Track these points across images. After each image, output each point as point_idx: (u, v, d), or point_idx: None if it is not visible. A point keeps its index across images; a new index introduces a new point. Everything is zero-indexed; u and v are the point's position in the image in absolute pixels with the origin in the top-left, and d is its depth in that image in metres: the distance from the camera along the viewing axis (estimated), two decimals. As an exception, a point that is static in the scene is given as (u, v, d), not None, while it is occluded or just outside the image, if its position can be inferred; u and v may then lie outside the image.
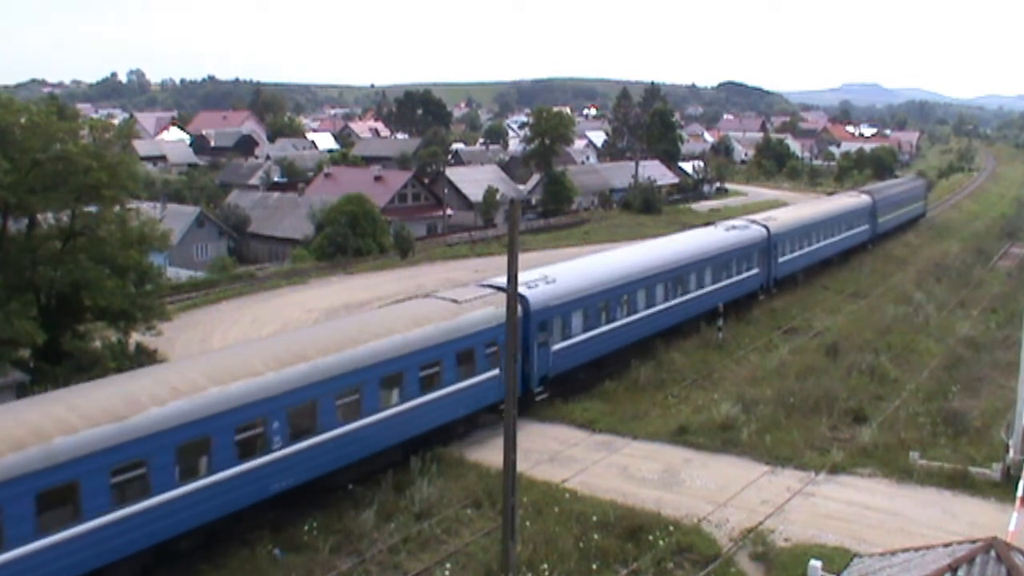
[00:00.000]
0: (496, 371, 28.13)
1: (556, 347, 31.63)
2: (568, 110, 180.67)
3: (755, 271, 46.63)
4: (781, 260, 49.73)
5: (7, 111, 30.05)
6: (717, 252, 43.14)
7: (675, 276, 39.22)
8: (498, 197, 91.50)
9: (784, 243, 50.10)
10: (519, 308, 27.07)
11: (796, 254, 52.30)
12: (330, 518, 23.01)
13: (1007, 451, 25.83)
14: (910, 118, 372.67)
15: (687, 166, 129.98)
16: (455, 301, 28.53)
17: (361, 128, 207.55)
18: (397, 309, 29.31)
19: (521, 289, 28.82)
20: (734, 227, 47.03)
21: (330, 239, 67.27)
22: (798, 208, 61.37)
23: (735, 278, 44.54)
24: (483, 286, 31.12)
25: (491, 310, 28.67)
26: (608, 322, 34.72)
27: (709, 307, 41.43)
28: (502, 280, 28.30)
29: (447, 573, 20.45)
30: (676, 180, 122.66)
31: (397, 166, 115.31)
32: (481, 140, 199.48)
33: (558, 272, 33.75)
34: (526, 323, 29.57)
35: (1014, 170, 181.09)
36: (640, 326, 36.72)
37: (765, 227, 48.25)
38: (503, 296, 26.30)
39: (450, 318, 27.40)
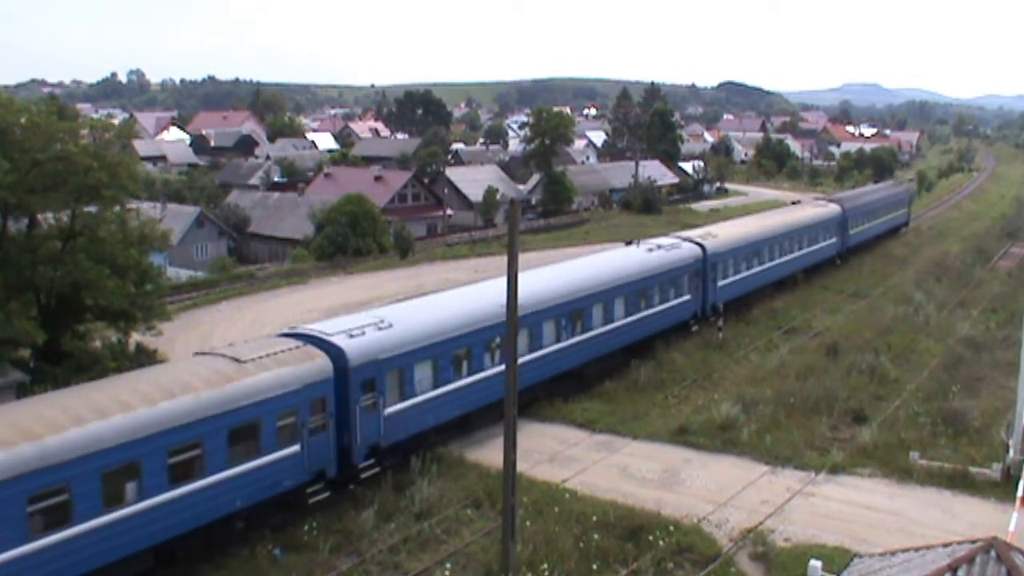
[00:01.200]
0: (296, 447, 22.51)
1: (389, 410, 25.14)
2: (568, 110, 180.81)
3: (686, 298, 40.26)
4: (722, 283, 43.49)
5: (7, 111, 30.03)
6: (633, 279, 36.44)
7: (571, 310, 32.63)
8: (498, 197, 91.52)
9: (725, 263, 43.91)
10: (330, 365, 23.22)
11: (741, 275, 45.98)
12: (330, 518, 23.01)
13: (1007, 451, 25.83)
14: (910, 118, 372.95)
15: (687, 166, 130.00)
16: (237, 360, 22.16)
17: (361, 128, 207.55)
18: (150, 375, 22.65)
19: (336, 338, 24.15)
20: (659, 247, 40.21)
21: (330, 239, 67.28)
22: (747, 221, 53.56)
23: (657, 307, 38.10)
24: (287, 335, 24.97)
25: (287, 371, 22.39)
26: (469, 374, 27.95)
27: (623, 343, 35.84)
28: (317, 326, 25.31)
29: (447, 573, 20.45)
30: (676, 180, 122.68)
31: (397, 166, 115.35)
32: (481, 140, 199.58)
33: (399, 313, 27.47)
34: (341, 383, 23.59)
35: (1014, 170, 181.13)
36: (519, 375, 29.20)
37: (700, 245, 41.96)
38: (309, 351, 23.27)
39: (220, 385, 21.15)
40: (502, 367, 25.38)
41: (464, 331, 27.68)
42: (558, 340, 32.14)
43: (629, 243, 41.84)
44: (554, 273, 35.56)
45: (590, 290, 33.88)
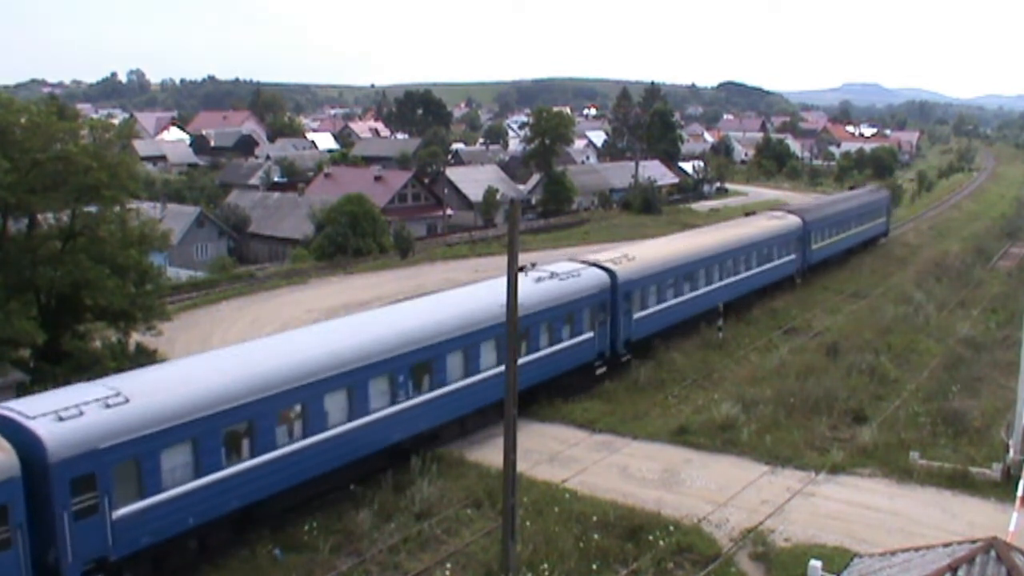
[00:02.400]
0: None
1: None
2: (568, 110, 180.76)
3: (587, 335, 33.45)
4: (639, 315, 36.79)
5: (7, 111, 30.04)
6: (495, 320, 27.46)
7: (414, 363, 26.08)
8: (498, 197, 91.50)
9: (644, 291, 37.13)
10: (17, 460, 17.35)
11: (667, 304, 39.00)
12: (330, 518, 23.01)
13: (1007, 451, 25.84)
14: (910, 118, 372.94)
15: (687, 166, 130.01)
16: None
17: (361, 128, 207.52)
18: None
19: (34, 423, 18.33)
20: (554, 275, 32.78)
21: (330, 239, 67.27)
22: (679, 239, 46.65)
23: (545, 351, 31.26)
24: None
25: None
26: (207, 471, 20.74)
27: (492, 398, 27.94)
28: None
29: (447, 573, 20.45)
30: (676, 180, 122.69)
31: (397, 166, 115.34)
32: (481, 140, 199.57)
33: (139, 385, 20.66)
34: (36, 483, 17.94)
35: (1014, 170, 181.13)
36: (254, 479, 21.63)
37: (608, 271, 34.84)
38: None
39: None
40: (296, 444, 22.54)
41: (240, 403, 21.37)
42: (393, 402, 25.43)
43: (522, 269, 32.12)
44: (394, 317, 28.00)
45: (446, 335, 27.13)
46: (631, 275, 36.02)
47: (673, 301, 39.68)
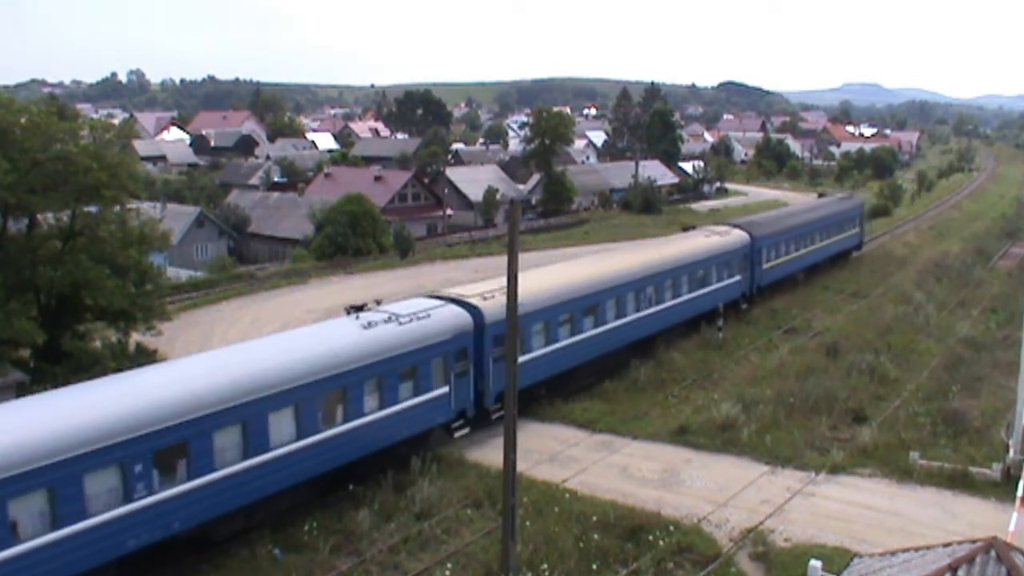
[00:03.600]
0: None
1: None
2: (568, 110, 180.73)
3: (440, 391, 26.79)
4: (521, 361, 28.30)
5: (7, 111, 30.00)
6: (312, 378, 22.88)
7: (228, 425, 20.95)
8: (498, 197, 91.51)
9: (526, 332, 29.97)
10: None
11: (558, 345, 32.06)
12: (330, 518, 23.01)
13: (1007, 451, 25.83)
14: (910, 118, 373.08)
15: (687, 166, 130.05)
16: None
17: (361, 128, 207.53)
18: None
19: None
20: (395, 317, 26.16)
21: (330, 239, 67.26)
22: (584, 264, 38.32)
23: (370, 416, 24.61)
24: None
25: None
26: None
27: (247, 498, 21.74)
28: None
29: (447, 573, 20.45)
30: (676, 180, 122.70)
31: (397, 166, 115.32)
32: (481, 140, 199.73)
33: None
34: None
35: (1014, 170, 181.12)
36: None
37: (472, 310, 28.30)
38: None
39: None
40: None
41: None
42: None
43: (359, 309, 27.04)
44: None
45: (257, 392, 21.45)
46: (498, 315, 27.46)
47: (566, 341, 32.46)
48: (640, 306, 37.02)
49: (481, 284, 31.50)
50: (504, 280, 27.05)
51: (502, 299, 25.09)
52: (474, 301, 28.85)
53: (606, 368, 35.08)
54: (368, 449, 24.72)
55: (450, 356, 27.15)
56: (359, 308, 26.88)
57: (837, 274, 58.43)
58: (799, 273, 54.07)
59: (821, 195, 69.65)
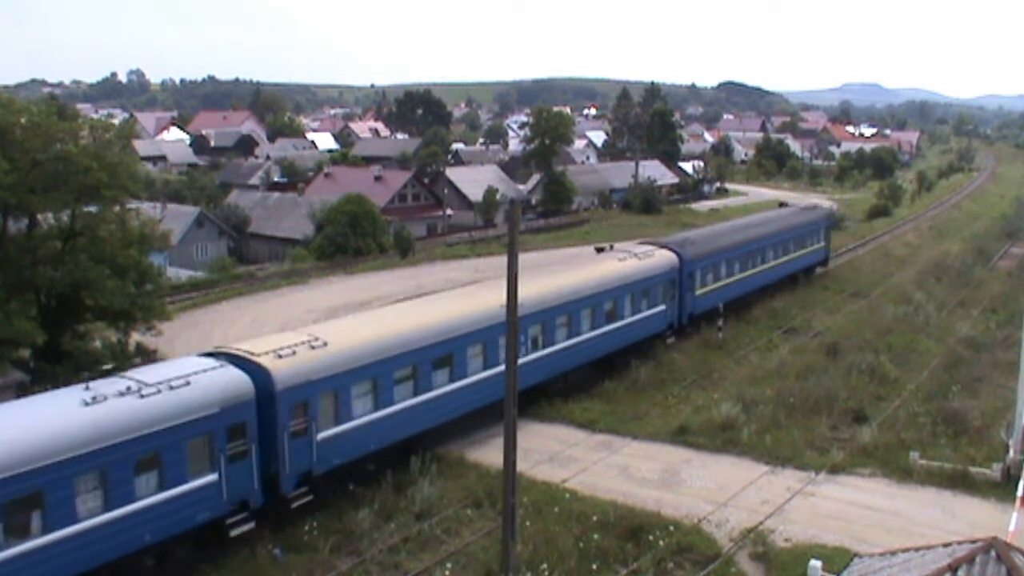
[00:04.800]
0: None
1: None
2: (568, 110, 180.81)
3: (208, 478, 20.83)
4: (324, 436, 23.42)
5: (7, 111, 30.03)
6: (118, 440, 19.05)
7: None
8: (498, 197, 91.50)
9: (339, 399, 23.90)
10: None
11: (394, 409, 25.54)
12: (330, 518, 23.01)
13: (1007, 451, 25.82)
14: (910, 118, 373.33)
15: (687, 166, 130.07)
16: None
17: (361, 128, 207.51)
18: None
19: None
20: (168, 385, 20.53)
21: (330, 239, 67.28)
22: (440, 302, 31.03)
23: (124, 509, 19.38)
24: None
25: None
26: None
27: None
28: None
29: (447, 573, 20.45)
30: (676, 180, 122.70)
31: (397, 166, 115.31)
32: (481, 140, 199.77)
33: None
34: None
35: (1014, 170, 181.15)
36: None
37: (258, 373, 22.08)
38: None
39: None
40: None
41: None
42: None
43: (90, 378, 22.15)
44: None
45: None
46: (298, 377, 22.59)
47: (404, 403, 25.80)
48: (527, 350, 30.32)
49: (290, 335, 24.94)
50: (325, 329, 25.56)
51: (306, 355, 23.10)
52: (262, 360, 22.45)
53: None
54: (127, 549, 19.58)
55: (218, 435, 21.06)
56: (100, 375, 22.95)
57: (838, 274, 58.29)
58: (748, 295, 46.70)
59: (782, 205, 61.97)
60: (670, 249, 40.27)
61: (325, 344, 23.88)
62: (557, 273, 35.73)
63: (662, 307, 38.69)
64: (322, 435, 23.34)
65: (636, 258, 38.10)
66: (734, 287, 45.03)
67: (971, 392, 33.63)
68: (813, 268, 56.64)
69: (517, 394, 19.28)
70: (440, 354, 27.16)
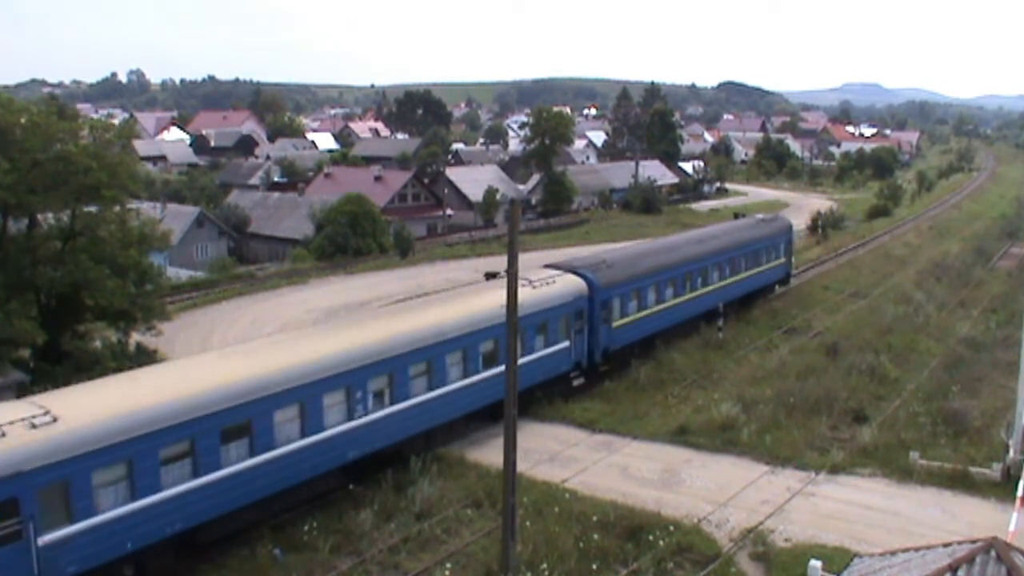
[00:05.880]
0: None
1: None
2: (568, 110, 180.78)
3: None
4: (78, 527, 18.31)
5: (7, 111, 30.04)
6: None
7: None
8: (498, 197, 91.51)
9: (80, 486, 18.35)
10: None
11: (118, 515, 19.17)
12: (330, 518, 23.00)
13: (1007, 451, 25.82)
14: (910, 118, 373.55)
15: (687, 166, 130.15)
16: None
17: (361, 128, 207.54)
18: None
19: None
20: None
21: (330, 239, 67.29)
22: (241, 354, 24.02)
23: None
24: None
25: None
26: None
27: None
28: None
29: (447, 573, 20.44)
30: (676, 180, 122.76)
31: (397, 166, 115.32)
32: (481, 140, 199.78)
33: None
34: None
35: (1014, 170, 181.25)
36: None
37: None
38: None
39: None
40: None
41: None
42: None
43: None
44: None
45: None
46: (97, 437, 18.60)
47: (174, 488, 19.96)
48: (356, 411, 24.08)
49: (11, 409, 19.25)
50: (56, 402, 18.40)
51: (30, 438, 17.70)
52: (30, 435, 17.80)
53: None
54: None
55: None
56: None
57: (838, 274, 58.18)
58: (687, 322, 40.83)
59: (736, 216, 55.76)
60: (578, 274, 33.86)
61: (54, 425, 18.29)
62: (418, 310, 29.22)
63: (564, 344, 32.45)
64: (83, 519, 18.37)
65: (530, 286, 30.92)
66: (666, 315, 38.94)
67: (971, 392, 33.63)
68: (772, 287, 50.77)
69: (516, 392, 19.28)
70: (237, 420, 21.25)
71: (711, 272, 42.64)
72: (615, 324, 35.25)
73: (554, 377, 32.34)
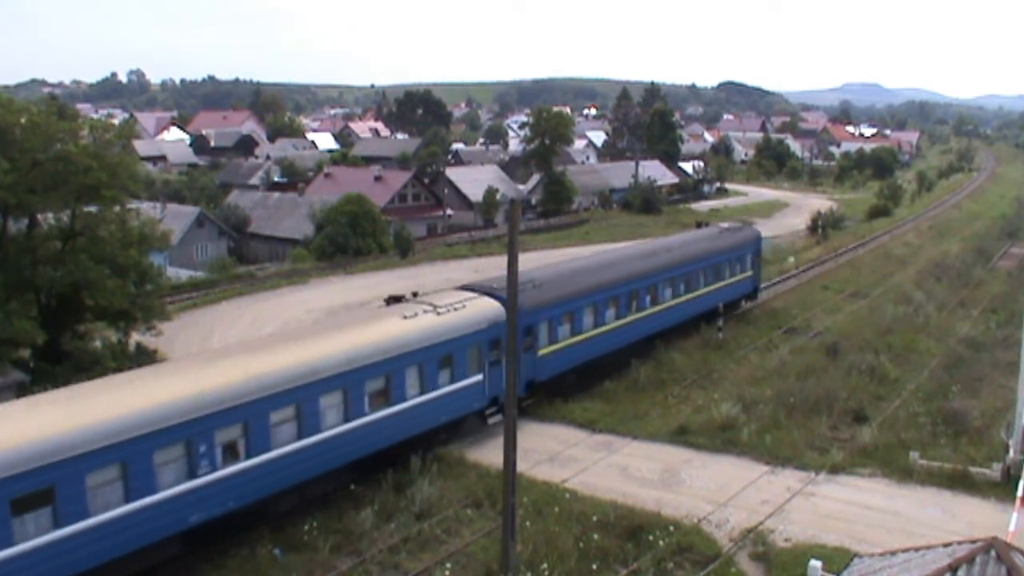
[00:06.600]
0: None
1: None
2: (568, 110, 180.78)
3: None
4: None
5: (7, 111, 30.06)
6: None
7: None
8: (498, 197, 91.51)
9: None
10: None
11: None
12: (330, 518, 23.00)
13: (1007, 451, 25.82)
14: (910, 118, 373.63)
15: (687, 166, 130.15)
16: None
17: (361, 128, 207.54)
18: None
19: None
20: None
21: (330, 239, 67.29)
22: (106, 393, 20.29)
23: None
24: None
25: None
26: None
27: None
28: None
29: (447, 573, 20.44)
30: (676, 180, 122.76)
31: (397, 166, 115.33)
32: (481, 140, 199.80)
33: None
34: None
35: (1014, 170, 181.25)
36: None
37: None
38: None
39: None
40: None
41: None
42: None
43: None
44: None
45: None
46: None
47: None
48: (221, 462, 20.85)
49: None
50: None
51: None
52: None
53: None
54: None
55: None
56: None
57: (838, 274, 58.13)
58: (636, 345, 36.79)
59: (700, 225, 50.43)
60: (495, 297, 29.08)
61: None
62: (287, 345, 24.31)
63: (477, 377, 28.29)
64: None
65: (434, 312, 27.38)
66: (606, 339, 34.87)
67: (971, 392, 33.62)
68: (736, 303, 46.08)
69: (516, 392, 19.27)
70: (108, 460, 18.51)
71: (662, 289, 38.63)
72: (541, 352, 31.19)
73: (465, 415, 28.35)
